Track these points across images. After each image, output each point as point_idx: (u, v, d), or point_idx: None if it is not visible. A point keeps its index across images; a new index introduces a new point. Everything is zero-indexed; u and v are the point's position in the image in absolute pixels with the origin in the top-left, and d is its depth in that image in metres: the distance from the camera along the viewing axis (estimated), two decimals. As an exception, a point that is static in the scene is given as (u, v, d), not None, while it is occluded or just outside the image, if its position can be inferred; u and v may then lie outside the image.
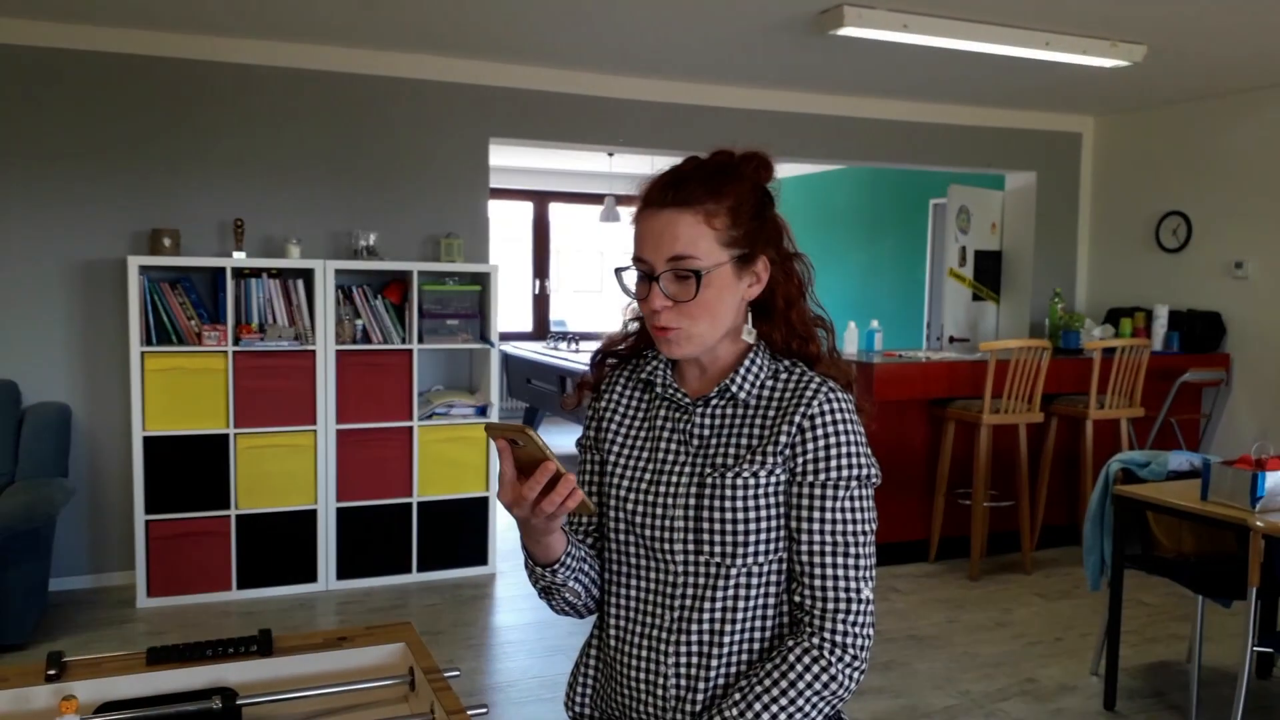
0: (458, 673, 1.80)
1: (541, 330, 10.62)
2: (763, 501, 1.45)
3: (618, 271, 1.54)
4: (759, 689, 1.40)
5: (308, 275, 5.06)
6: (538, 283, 10.76)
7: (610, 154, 8.28)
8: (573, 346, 8.79)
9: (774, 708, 1.38)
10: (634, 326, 1.64)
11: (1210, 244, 6.28)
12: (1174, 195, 6.50)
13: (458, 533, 5.38)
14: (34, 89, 4.82)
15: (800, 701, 1.39)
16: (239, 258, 4.95)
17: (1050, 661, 4.35)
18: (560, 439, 8.88)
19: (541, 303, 10.80)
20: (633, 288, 1.51)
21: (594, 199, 10.53)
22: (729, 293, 1.47)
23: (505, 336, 8.87)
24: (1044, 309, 6.90)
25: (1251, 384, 6.10)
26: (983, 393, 5.34)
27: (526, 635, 4.61)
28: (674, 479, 1.50)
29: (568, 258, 11.60)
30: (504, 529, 5.62)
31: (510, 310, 10.28)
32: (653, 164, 6.32)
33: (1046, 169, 7.01)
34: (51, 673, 1.69)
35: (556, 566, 1.50)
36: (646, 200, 1.47)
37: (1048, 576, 5.58)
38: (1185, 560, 3.97)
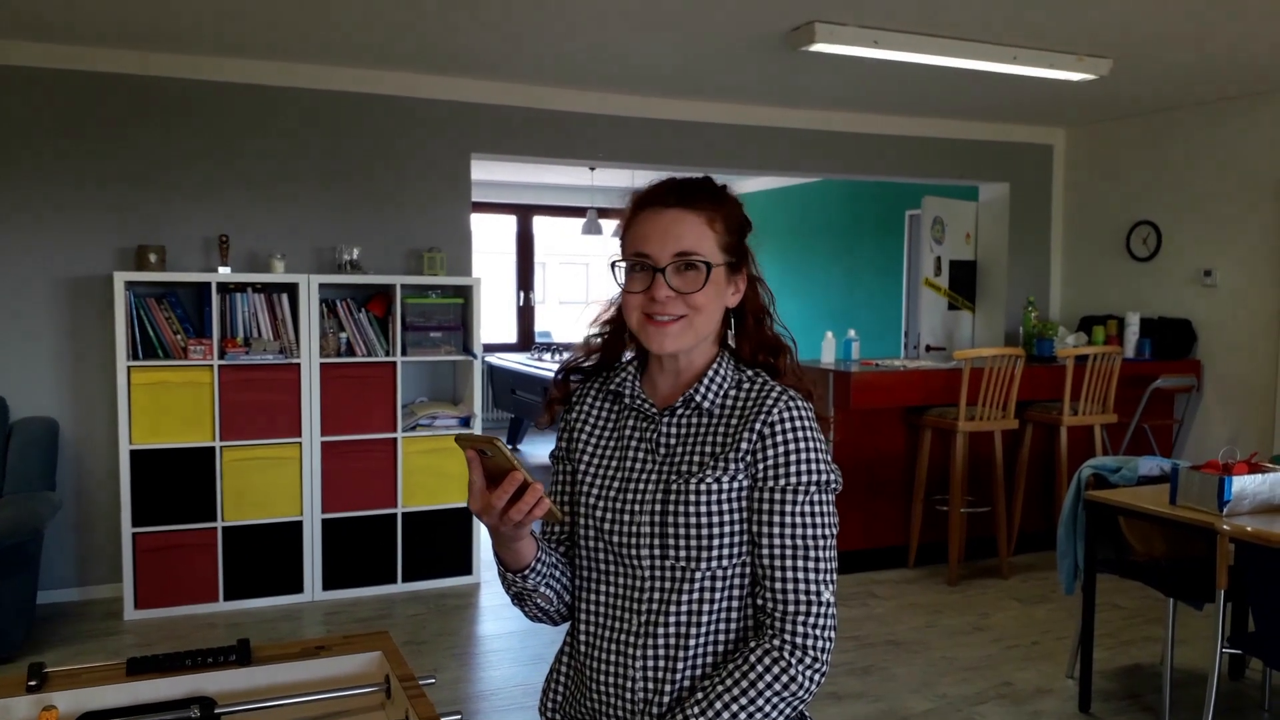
0: (433, 680, 1.84)
1: (526, 341, 10.66)
2: (725, 507, 1.49)
3: (614, 265, 1.58)
4: (720, 689, 1.43)
5: (292, 289, 5.10)
6: (522, 295, 10.80)
7: (592, 168, 8.34)
8: (557, 357, 8.84)
9: (734, 707, 1.41)
10: (597, 342, 1.68)
11: (1179, 253, 6.37)
12: (1144, 205, 6.59)
13: (442, 543, 5.42)
14: (20, 108, 4.86)
15: (760, 701, 1.42)
16: (224, 273, 4.99)
17: (1027, 665, 4.39)
18: (544, 449, 8.91)
19: (526, 314, 10.83)
20: (625, 283, 1.56)
21: (577, 212, 10.58)
22: (721, 293, 1.54)
23: (490, 348, 8.90)
24: (1018, 317, 6.96)
25: (1222, 390, 6.18)
26: (958, 400, 5.41)
27: (510, 644, 4.65)
28: (641, 486, 1.54)
29: (552, 270, 11.64)
30: (488, 539, 5.64)
31: (495, 322, 10.32)
32: (633, 178, 6.36)
33: (1019, 180, 7.09)
34: (32, 683, 1.69)
35: (527, 572, 1.54)
36: (649, 201, 1.54)
37: (1024, 581, 5.64)
38: (1157, 564, 4.01)
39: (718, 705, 1.42)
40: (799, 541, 1.47)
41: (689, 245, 1.50)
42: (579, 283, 12.02)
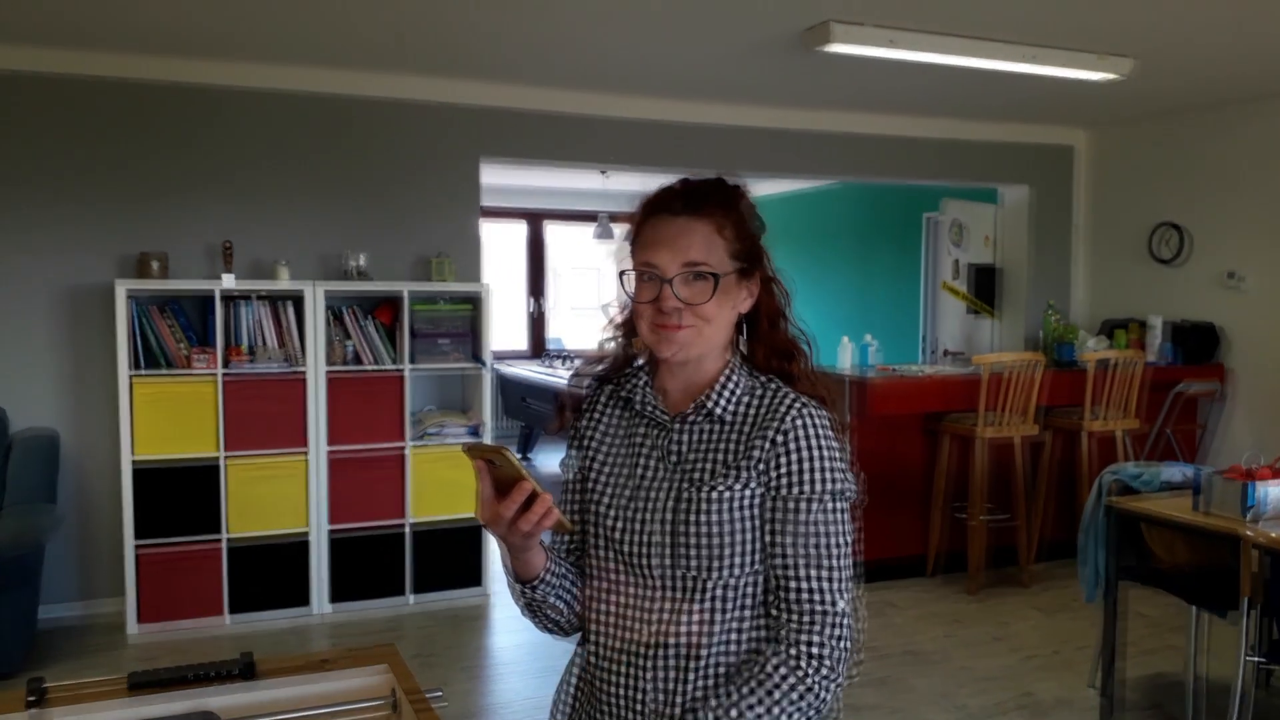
0: (440, 693, 1.79)
1: (538, 349, 10.63)
2: (738, 515, 1.47)
3: (621, 275, 1.56)
4: (735, 698, 1.42)
5: (297, 298, 5.04)
6: (533, 301, 10.77)
7: (604, 172, 8.29)
8: (569, 365, 8.78)
9: (749, 715, 1.40)
10: (611, 347, 1.66)
11: (1204, 255, 6.29)
12: (1167, 207, 6.51)
13: (452, 555, 5.35)
14: (20, 114, 4.83)
15: (776, 711, 1.40)
16: (228, 281, 4.94)
17: (1048, 675, 4.34)
18: (557, 458, 8.86)
19: (538, 322, 10.80)
20: (634, 292, 1.54)
21: (588, 217, 10.54)
22: (732, 301, 1.52)
23: (501, 356, 8.85)
24: (1039, 321, 6.89)
25: (1247, 395, 6.10)
26: (978, 406, 5.32)
27: (521, 657, 4.60)
28: (653, 495, 1.52)
29: (564, 276, 11.59)
30: (498, 551, 5.59)
31: (506, 329, 10.27)
32: (645, 182, 6.33)
33: (1040, 182, 7.02)
34: (32, 700, 1.67)
35: (536, 583, 1.54)
36: (657, 208, 1.52)
37: (1046, 590, 5.57)
38: (1180, 571, 3.95)
39: (733, 714, 1.41)
40: (813, 551, 1.46)
41: (696, 255, 1.48)
42: (591, 289, 11.95)
